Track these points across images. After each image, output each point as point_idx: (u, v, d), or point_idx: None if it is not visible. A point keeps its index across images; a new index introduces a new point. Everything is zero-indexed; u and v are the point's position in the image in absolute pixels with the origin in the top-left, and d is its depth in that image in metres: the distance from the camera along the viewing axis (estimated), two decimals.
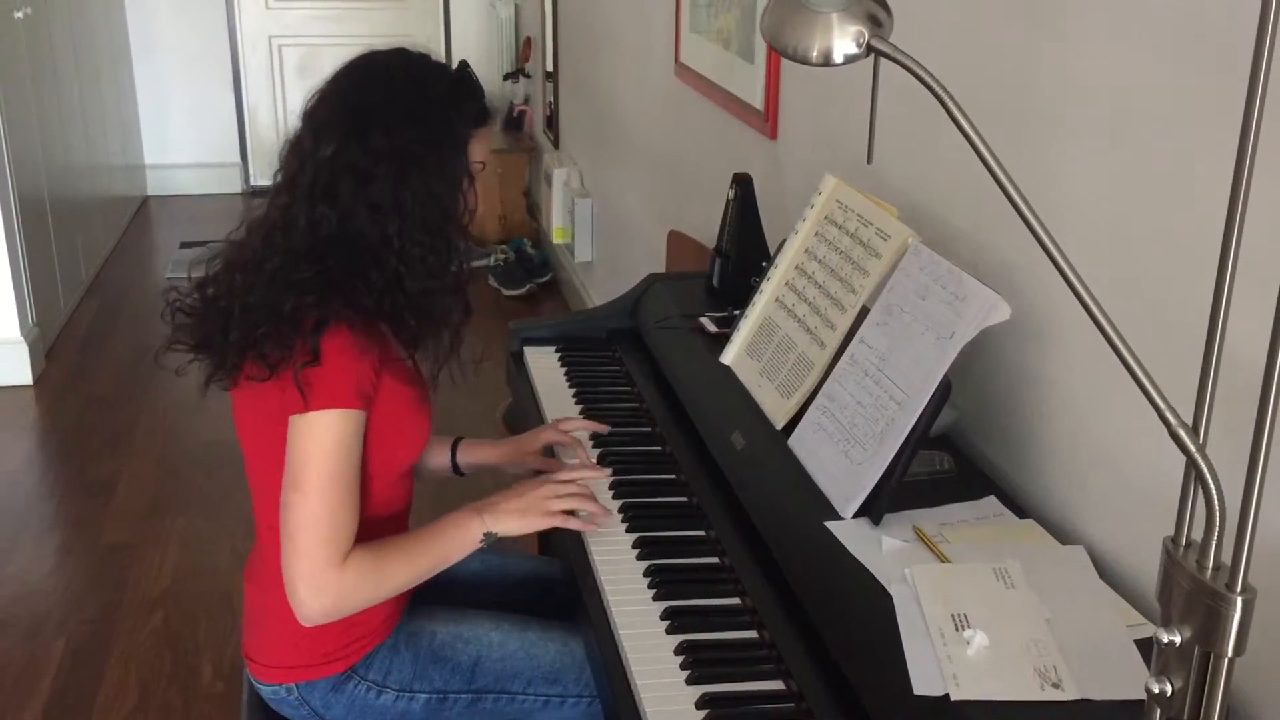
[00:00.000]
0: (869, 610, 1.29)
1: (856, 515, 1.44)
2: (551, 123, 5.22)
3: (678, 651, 1.37)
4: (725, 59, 2.74)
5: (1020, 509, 1.50)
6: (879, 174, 1.90)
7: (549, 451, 1.83)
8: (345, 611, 1.48)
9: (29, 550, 3.12)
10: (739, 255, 2.16)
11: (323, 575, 1.43)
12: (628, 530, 1.61)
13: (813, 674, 1.29)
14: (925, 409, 1.40)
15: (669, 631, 1.41)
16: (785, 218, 2.10)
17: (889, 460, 1.42)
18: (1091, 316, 0.82)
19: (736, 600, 1.46)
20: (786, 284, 1.78)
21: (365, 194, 1.47)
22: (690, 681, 1.32)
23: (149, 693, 2.57)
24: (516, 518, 1.57)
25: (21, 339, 4.10)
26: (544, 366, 2.14)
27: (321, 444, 1.42)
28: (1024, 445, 1.58)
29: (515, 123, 5.87)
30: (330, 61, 1.59)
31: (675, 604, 1.45)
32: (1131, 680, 1.15)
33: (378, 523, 1.55)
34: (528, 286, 5.03)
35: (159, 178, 6.36)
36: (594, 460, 1.77)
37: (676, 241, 2.97)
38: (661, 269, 2.99)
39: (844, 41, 0.93)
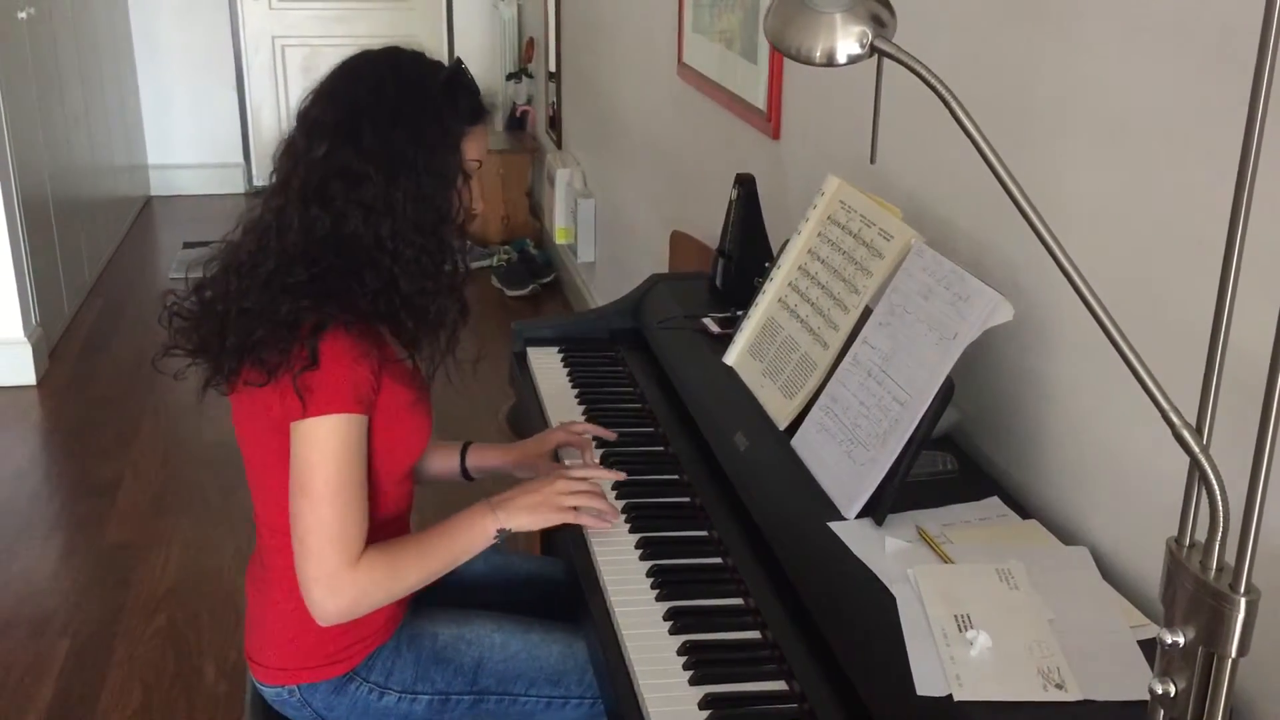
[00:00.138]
0: (872, 611, 1.29)
1: (859, 516, 1.44)
2: (554, 123, 5.23)
3: (681, 652, 1.37)
4: (728, 59, 2.74)
5: (1023, 509, 1.50)
6: (882, 174, 1.90)
7: (555, 456, 1.82)
8: (362, 610, 1.49)
9: (32, 550, 3.13)
10: (742, 256, 2.16)
11: (337, 577, 1.44)
12: (631, 531, 1.61)
13: (815, 674, 1.29)
14: (928, 409, 1.40)
15: (672, 632, 1.41)
16: (788, 218, 2.09)
17: (892, 461, 1.42)
18: (1095, 317, 0.82)
19: (739, 601, 1.46)
20: (789, 284, 1.78)
21: (357, 195, 1.47)
22: (693, 682, 1.32)
23: (152, 693, 2.57)
24: (528, 513, 1.57)
25: (25, 339, 4.10)
26: (547, 367, 2.14)
27: (324, 449, 1.42)
28: (1027, 446, 1.58)
29: (518, 123, 5.87)
30: (333, 62, 1.58)
31: (678, 604, 1.45)
32: (1135, 681, 1.15)
33: (379, 525, 1.55)
34: (530, 287, 5.03)
35: (162, 178, 6.37)
36: (598, 461, 1.77)
37: (679, 242, 2.97)
38: (664, 269, 2.99)
39: (847, 42, 0.93)
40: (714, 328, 2.02)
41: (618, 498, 1.68)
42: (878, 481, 1.43)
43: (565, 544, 1.65)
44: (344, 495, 1.43)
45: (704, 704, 1.28)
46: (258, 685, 1.65)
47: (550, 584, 1.86)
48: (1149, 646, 1.18)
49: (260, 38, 6.29)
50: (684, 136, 3.22)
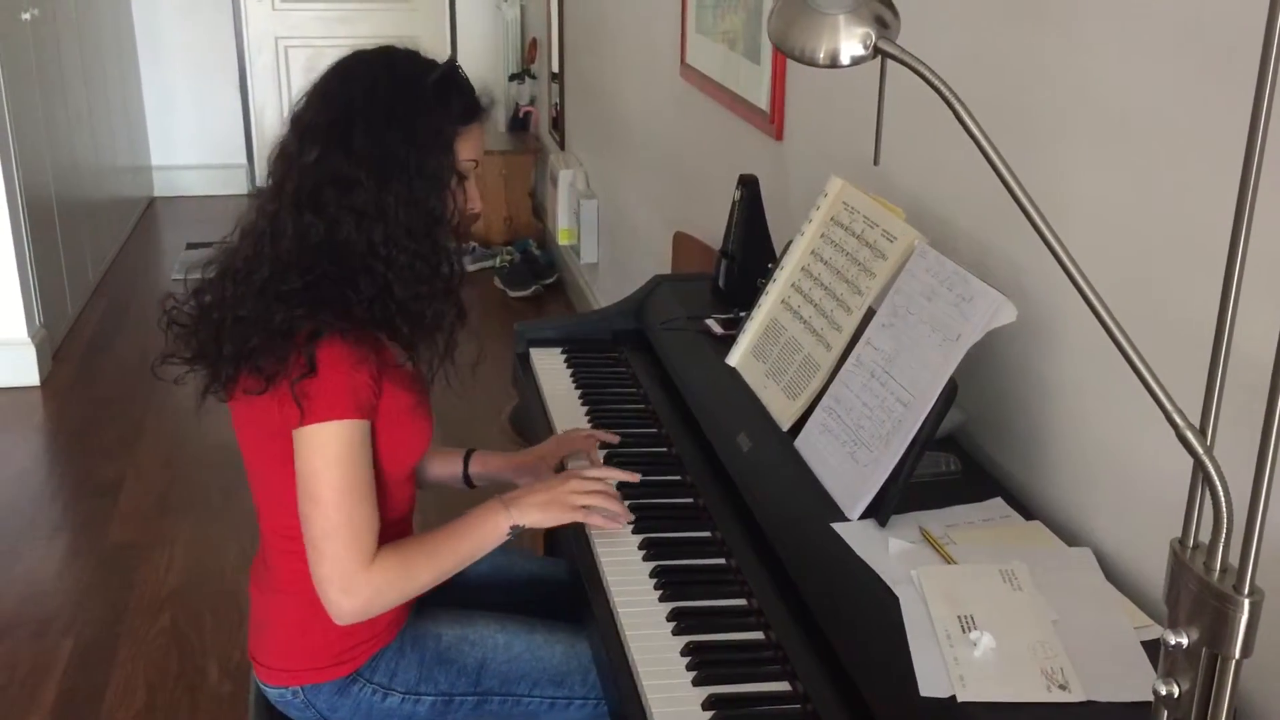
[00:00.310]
0: (875, 611, 1.29)
1: (863, 517, 1.44)
2: (557, 124, 5.23)
3: (684, 652, 1.37)
4: (731, 60, 2.74)
5: (1027, 510, 1.50)
6: (885, 175, 1.90)
7: (561, 466, 1.82)
8: (377, 609, 1.49)
9: (36, 551, 3.13)
10: (744, 257, 2.16)
11: (351, 578, 1.44)
12: (634, 531, 1.61)
13: (819, 675, 1.29)
14: (931, 410, 1.40)
15: (675, 632, 1.41)
16: (791, 219, 2.09)
17: (895, 462, 1.42)
18: (1098, 318, 0.82)
19: (743, 601, 1.47)
20: (792, 286, 1.78)
21: (350, 201, 1.46)
22: (697, 682, 1.32)
23: (156, 694, 2.57)
24: (540, 510, 1.56)
25: (29, 340, 4.11)
26: (550, 368, 2.14)
27: (327, 456, 1.43)
28: (1030, 447, 1.58)
29: (521, 124, 5.87)
30: None
31: (681, 605, 1.45)
32: (1138, 682, 1.15)
33: (383, 526, 1.55)
34: (533, 288, 5.03)
35: (165, 179, 6.37)
36: (601, 463, 1.77)
37: (682, 243, 2.97)
38: (667, 270, 2.99)
39: (851, 43, 0.93)
40: (717, 329, 2.02)
41: (621, 498, 1.68)
42: (881, 482, 1.43)
43: (568, 544, 1.65)
44: (352, 498, 1.44)
45: (707, 705, 1.29)
46: (261, 686, 1.65)
47: (553, 585, 1.86)
48: (1152, 647, 1.18)
49: (263, 38, 6.29)
50: (687, 137, 3.22)
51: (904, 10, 0.97)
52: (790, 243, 1.83)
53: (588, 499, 1.58)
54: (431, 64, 1.55)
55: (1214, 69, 1.23)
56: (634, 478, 1.66)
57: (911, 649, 1.21)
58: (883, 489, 1.43)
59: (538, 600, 1.82)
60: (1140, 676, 1.16)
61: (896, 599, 1.29)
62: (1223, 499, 0.78)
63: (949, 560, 1.37)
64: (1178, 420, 0.78)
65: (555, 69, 5.19)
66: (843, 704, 1.24)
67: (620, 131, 4.06)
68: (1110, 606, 1.29)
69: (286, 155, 1.51)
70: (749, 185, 2.19)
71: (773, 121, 2.49)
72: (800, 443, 1.59)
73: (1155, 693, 0.82)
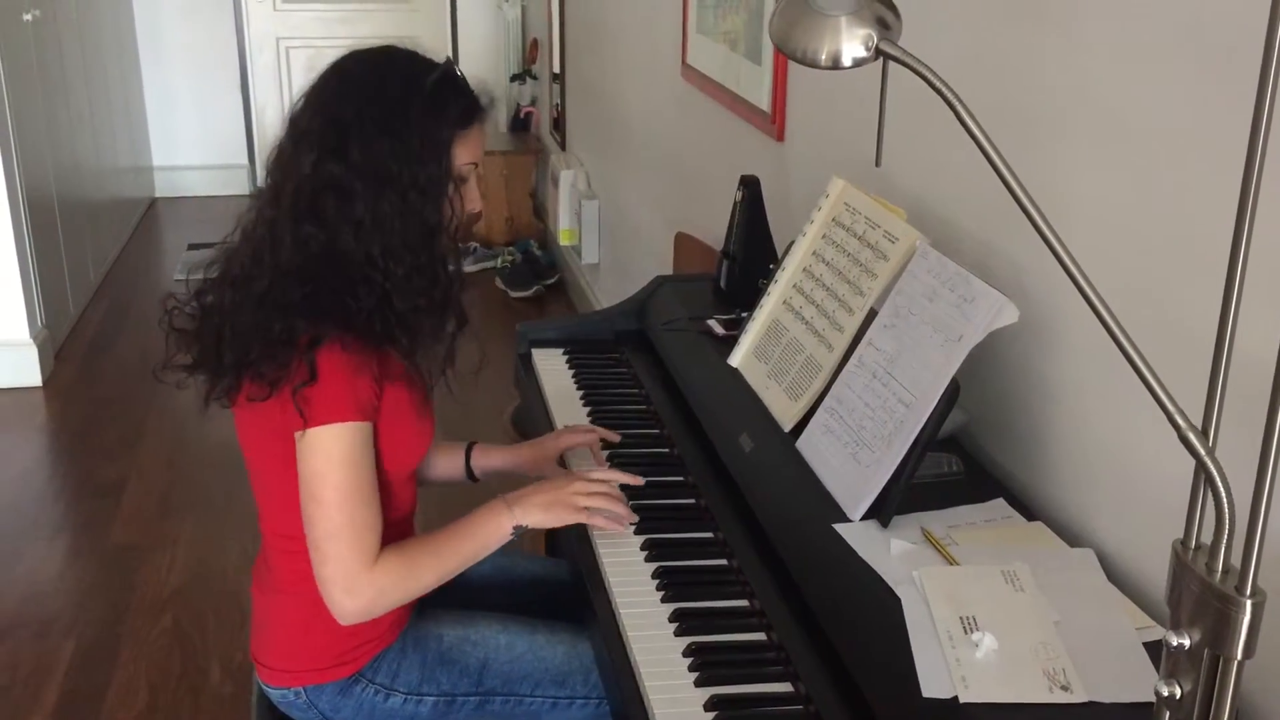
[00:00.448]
0: (877, 612, 1.29)
1: (865, 518, 1.44)
2: (558, 124, 5.23)
3: (686, 653, 1.37)
4: (732, 61, 2.74)
5: (1029, 511, 1.50)
6: (886, 176, 1.90)
7: (562, 460, 1.82)
8: (380, 609, 1.49)
9: (38, 551, 3.13)
10: (746, 257, 2.16)
11: (355, 578, 1.44)
12: (636, 532, 1.61)
13: (821, 676, 1.29)
14: (933, 411, 1.40)
15: (677, 633, 1.41)
16: (792, 220, 2.10)
17: (897, 462, 1.42)
18: (1100, 319, 0.82)
19: (745, 602, 1.47)
20: (794, 286, 1.78)
21: (348, 212, 1.45)
22: (699, 683, 1.32)
23: (158, 694, 2.58)
24: (544, 511, 1.56)
25: (30, 341, 4.11)
26: (552, 369, 2.14)
27: (330, 458, 1.43)
28: (1032, 447, 1.58)
29: (522, 124, 5.88)
30: None
31: (683, 606, 1.45)
32: (1140, 683, 1.15)
33: (386, 526, 1.55)
34: (534, 288, 5.03)
35: (167, 179, 6.37)
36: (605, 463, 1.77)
37: (683, 243, 2.97)
38: (668, 271, 2.99)
39: (853, 45, 0.93)
40: (718, 329, 2.02)
41: (626, 501, 1.68)
42: (883, 483, 1.43)
43: (570, 545, 1.65)
44: (355, 499, 1.44)
45: (709, 705, 1.29)
46: (264, 687, 1.65)
47: (555, 585, 1.86)
48: (1154, 648, 1.18)
49: (264, 39, 6.29)
50: (688, 138, 3.22)
51: (904, 11, 0.97)
52: (792, 243, 1.83)
53: (592, 500, 1.58)
54: (428, 66, 1.53)
55: (1214, 69, 1.23)
56: (638, 480, 1.66)
57: (913, 650, 1.21)
58: (885, 490, 1.43)
59: (540, 601, 1.82)
60: (1142, 677, 1.16)
61: (898, 600, 1.29)
62: (1225, 500, 0.78)
63: (951, 561, 1.37)
64: (1180, 421, 0.78)
65: (556, 69, 5.19)
66: (844, 705, 1.24)
67: (621, 132, 4.06)
68: (1112, 607, 1.29)
69: (284, 161, 1.50)
70: (750, 186, 2.19)
71: (774, 122, 2.49)
72: (802, 443, 1.59)
73: (1157, 694, 0.82)
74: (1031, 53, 1.56)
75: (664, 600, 1.47)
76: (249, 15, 6.24)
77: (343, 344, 1.43)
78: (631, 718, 1.31)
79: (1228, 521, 0.78)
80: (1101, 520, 1.45)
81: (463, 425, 1.81)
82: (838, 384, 1.57)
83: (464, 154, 1.53)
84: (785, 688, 1.31)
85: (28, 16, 4.27)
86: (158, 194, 6.36)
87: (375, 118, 1.46)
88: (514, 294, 5.01)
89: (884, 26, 0.93)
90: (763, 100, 2.55)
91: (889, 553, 1.38)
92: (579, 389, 2.06)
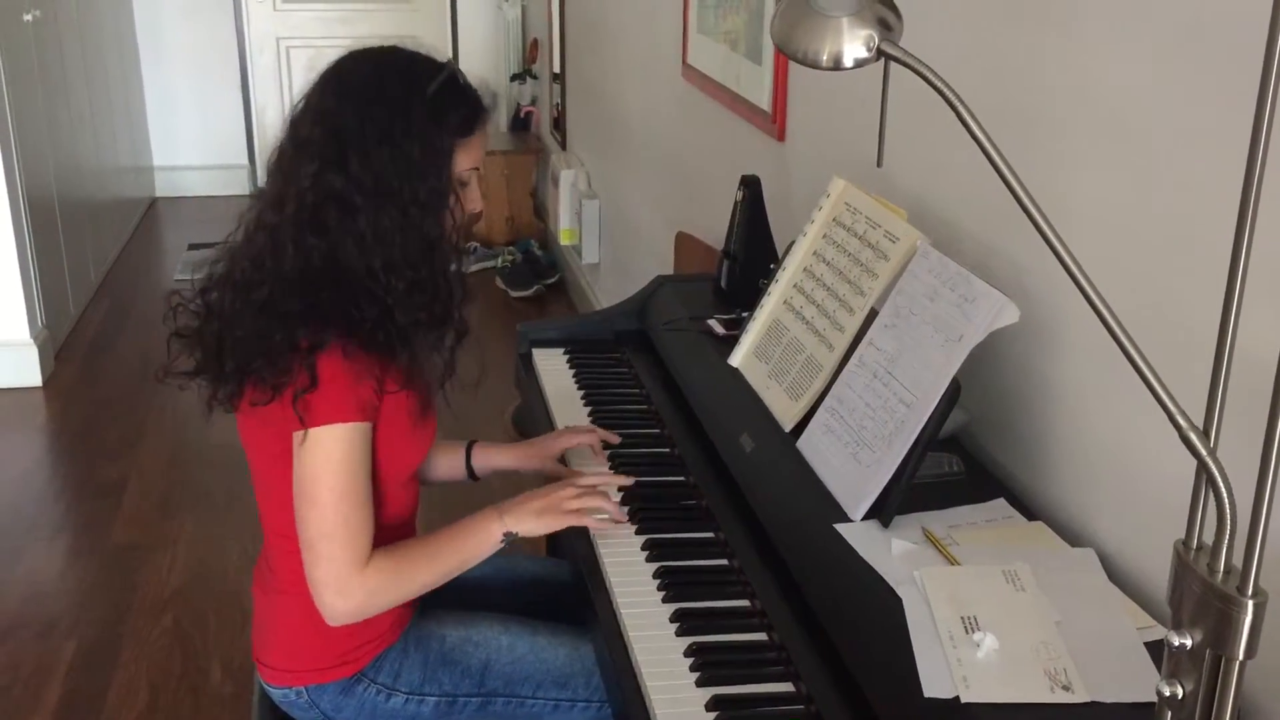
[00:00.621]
0: (878, 612, 1.29)
1: (865, 517, 1.44)
2: (558, 124, 5.23)
3: (687, 653, 1.37)
4: (733, 61, 2.74)
5: (1030, 511, 1.50)
6: (887, 176, 1.90)
7: (563, 459, 1.82)
8: (371, 611, 1.50)
9: (39, 552, 3.13)
10: (747, 257, 2.16)
11: (346, 580, 1.44)
12: (637, 532, 1.61)
13: (822, 676, 1.29)
14: (934, 411, 1.40)
15: (679, 633, 1.41)
16: (793, 220, 2.10)
17: (898, 462, 1.42)
18: (1101, 319, 0.82)
19: (746, 602, 1.47)
20: (794, 286, 1.78)
21: (349, 225, 1.44)
22: (700, 683, 1.32)
23: (159, 694, 2.58)
24: (535, 518, 1.57)
25: (31, 341, 4.11)
26: (552, 369, 2.14)
27: (328, 458, 1.43)
28: (1033, 447, 1.58)
29: (522, 124, 5.87)
30: None
31: (684, 606, 1.45)
32: (1142, 683, 1.15)
33: (385, 528, 1.55)
34: (535, 288, 5.03)
35: (167, 179, 6.37)
36: (605, 463, 1.77)
37: (684, 243, 2.97)
38: (669, 271, 2.99)
39: (854, 46, 0.93)
40: (719, 329, 2.02)
41: (624, 499, 1.68)
42: (884, 483, 1.43)
43: (571, 546, 1.65)
44: (349, 501, 1.44)
45: (711, 705, 1.29)
46: (265, 687, 1.65)
47: (556, 586, 1.86)
48: (1156, 649, 1.18)
49: (265, 39, 6.29)
50: (688, 138, 3.22)
51: (905, 12, 0.97)
52: (792, 243, 1.83)
53: (583, 502, 1.58)
54: (429, 71, 1.51)
55: (1214, 69, 1.23)
56: (629, 481, 1.67)
57: (915, 650, 1.21)
58: (885, 490, 1.43)
59: (541, 601, 1.82)
60: (1144, 677, 1.16)
61: (899, 600, 1.29)
62: (1226, 500, 0.78)
63: (952, 561, 1.37)
64: (1181, 421, 0.78)
65: (556, 69, 5.19)
66: (846, 705, 1.24)
67: (622, 132, 4.06)
68: (1113, 607, 1.29)
69: (285, 166, 1.49)
70: (751, 186, 2.19)
71: (774, 122, 2.49)
72: (803, 443, 1.59)
73: (1159, 694, 0.82)
74: (1032, 53, 1.56)
75: (665, 600, 1.47)
76: (249, 15, 6.24)
77: (344, 349, 1.43)
78: (633, 719, 1.31)
79: (1229, 522, 0.78)
80: (1103, 520, 1.45)
81: (463, 425, 1.81)
82: (838, 384, 1.57)
83: (465, 160, 1.53)
84: (786, 688, 1.31)
85: (28, 17, 4.27)
86: (158, 194, 6.36)
87: (375, 126, 1.45)
88: (514, 294, 5.01)
89: (885, 27, 0.93)
90: (763, 100, 2.55)
91: (890, 553, 1.38)
92: (579, 389, 2.06)
